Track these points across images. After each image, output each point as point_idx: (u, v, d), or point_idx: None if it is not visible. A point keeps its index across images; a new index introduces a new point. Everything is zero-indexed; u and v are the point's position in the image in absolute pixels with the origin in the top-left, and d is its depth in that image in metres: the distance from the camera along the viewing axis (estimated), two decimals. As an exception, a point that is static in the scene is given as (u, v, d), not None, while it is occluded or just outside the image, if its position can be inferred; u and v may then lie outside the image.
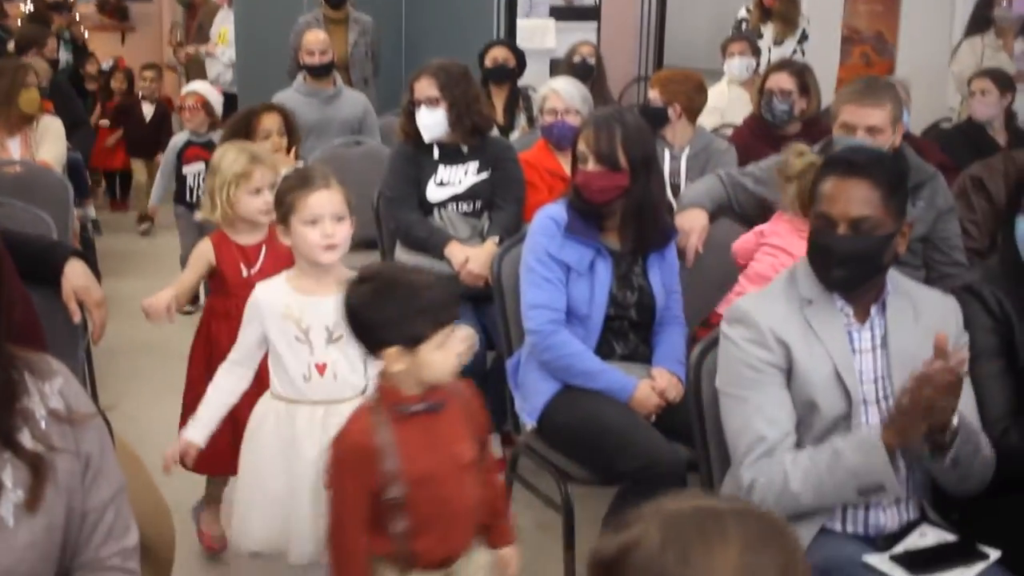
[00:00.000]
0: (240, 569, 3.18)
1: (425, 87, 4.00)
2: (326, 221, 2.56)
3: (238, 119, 4.15)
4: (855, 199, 2.28)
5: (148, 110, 7.99)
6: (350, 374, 2.60)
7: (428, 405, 2.14)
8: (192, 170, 5.46)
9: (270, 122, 4.08)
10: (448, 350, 2.10)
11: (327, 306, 2.56)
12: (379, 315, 2.07)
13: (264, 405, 2.67)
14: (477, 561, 2.27)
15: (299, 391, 2.60)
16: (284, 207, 2.62)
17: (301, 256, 2.62)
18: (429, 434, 2.15)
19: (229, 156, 3.21)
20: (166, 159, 5.63)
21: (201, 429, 2.66)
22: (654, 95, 4.43)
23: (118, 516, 1.73)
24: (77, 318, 2.78)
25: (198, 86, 5.96)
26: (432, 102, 3.99)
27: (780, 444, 2.28)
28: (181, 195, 5.55)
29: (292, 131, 4.17)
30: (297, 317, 2.58)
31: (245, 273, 3.15)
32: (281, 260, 3.03)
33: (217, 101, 5.80)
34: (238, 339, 2.71)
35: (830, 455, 2.23)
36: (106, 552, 1.71)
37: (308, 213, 2.56)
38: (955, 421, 2.21)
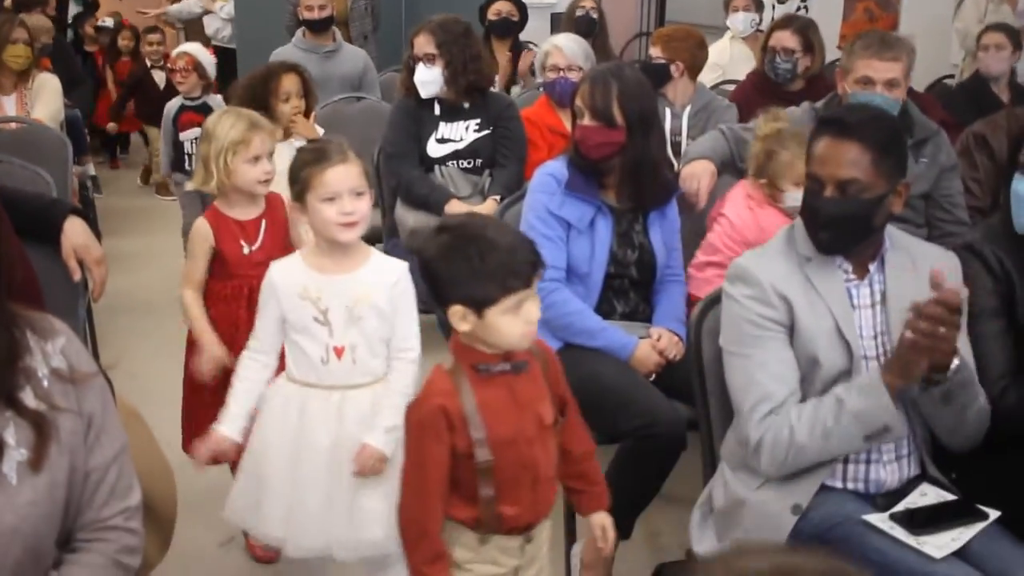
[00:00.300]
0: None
1: (423, 43, 4.00)
2: (344, 197, 2.42)
3: (256, 79, 3.94)
4: (844, 161, 2.27)
5: (160, 77, 7.59)
6: (370, 359, 2.51)
7: (513, 365, 2.05)
8: (189, 136, 5.14)
9: (290, 83, 3.89)
10: (518, 317, 1.97)
11: (347, 285, 2.49)
12: (447, 271, 1.97)
13: (275, 387, 2.58)
14: (547, 531, 2.20)
15: (316, 374, 2.51)
16: (299, 184, 2.47)
17: (318, 234, 2.50)
18: (511, 395, 2.05)
19: (226, 122, 3.02)
20: (164, 126, 5.28)
21: (233, 423, 2.53)
22: (656, 52, 4.40)
23: (120, 475, 1.74)
24: (77, 276, 2.77)
25: (188, 47, 5.66)
26: (429, 59, 3.98)
27: (786, 401, 2.28)
28: (179, 163, 5.18)
29: (310, 93, 4.00)
30: (315, 297, 2.48)
31: (246, 250, 2.99)
32: (281, 234, 3.02)
33: (209, 62, 5.50)
34: (256, 324, 2.58)
35: (833, 403, 2.23)
36: (108, 512, 1.71)
37: (325, 190, 2.42)
38: (955, 362, 2.20)
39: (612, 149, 3.02)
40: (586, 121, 3.03)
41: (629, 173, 3.06)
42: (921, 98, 4.63)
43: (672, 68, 4.33)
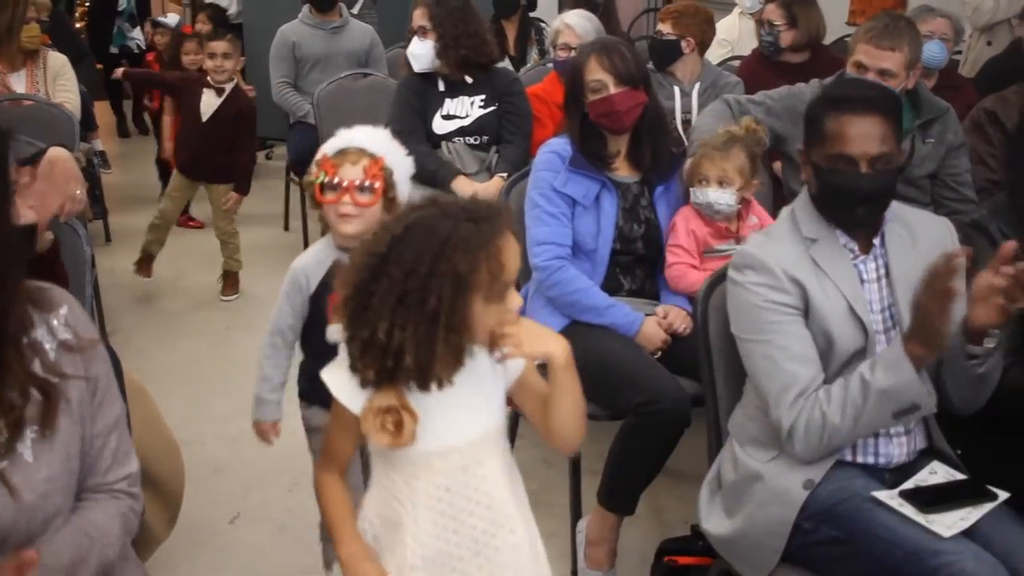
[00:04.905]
0: None
1: (418, 17, 4.04)
2: None
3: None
4: (874, 136, 2.27)
5: (208, 101, 5.11)
6: None
7: None
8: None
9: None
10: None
11: None
12: None
13: None
14: None
15: None
16: None
17: None
18: None
19: None
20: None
21: None
22: (665, 28, 4.36)
23: (121, 440, 1.76)
24: None
25: (376, 146, 2.46)
26: (422, 32, 4.01)
27: (814, 380, 2.27)
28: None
29: None
30: None
31: None
32: None
33: (404, 168, 2.51)
34: None
35: (859, 382, 2.22)
36: (113, 477, 1.74)
37: None
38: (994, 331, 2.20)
39: (640, 111, 3.07)
40: (612, 89, 3.03)
41: (649, 132, 3.10)
42: (958, 79, 4.61)
43: (683, 44, 4.31)
